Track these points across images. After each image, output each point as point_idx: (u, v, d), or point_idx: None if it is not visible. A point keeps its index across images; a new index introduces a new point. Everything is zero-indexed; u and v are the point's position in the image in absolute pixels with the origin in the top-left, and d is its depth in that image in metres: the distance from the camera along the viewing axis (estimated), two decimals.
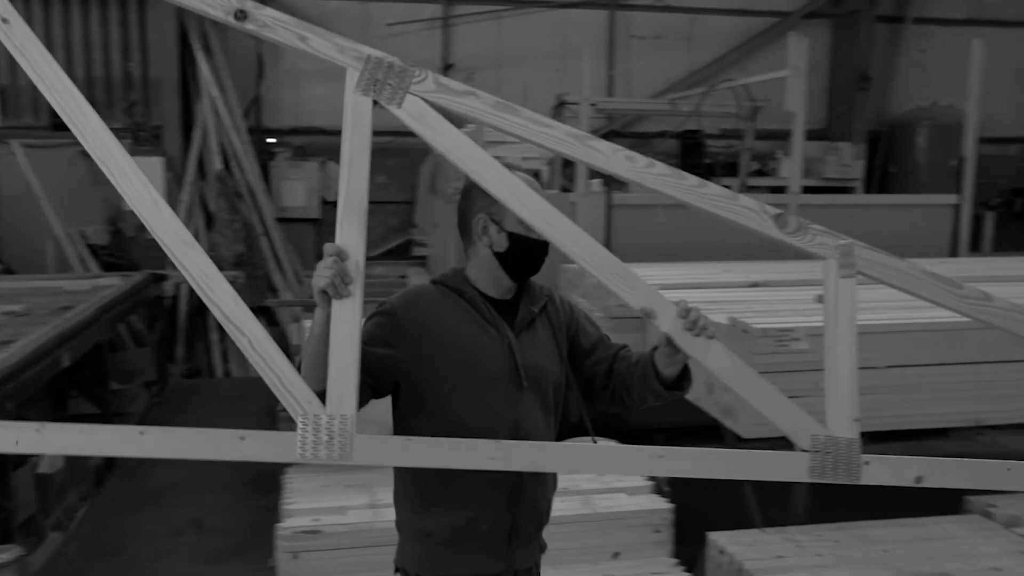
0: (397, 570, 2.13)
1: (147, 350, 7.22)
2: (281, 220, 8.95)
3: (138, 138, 8.32)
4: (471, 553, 2.03)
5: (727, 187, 6.79)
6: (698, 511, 4.96)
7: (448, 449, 1.73)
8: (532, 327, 2.11)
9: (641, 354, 2.10)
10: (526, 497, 2.05)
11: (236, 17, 1.65)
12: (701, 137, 8.78)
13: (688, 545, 3.60)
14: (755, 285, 4.50)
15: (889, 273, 1.78)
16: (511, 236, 2.03)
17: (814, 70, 10.04)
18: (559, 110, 8.07)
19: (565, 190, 7.30)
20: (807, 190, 7.67)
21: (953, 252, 6.45)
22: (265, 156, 9.26)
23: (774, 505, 3.67)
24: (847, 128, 10.00)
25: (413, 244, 9.61)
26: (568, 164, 7.59)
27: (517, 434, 1.98)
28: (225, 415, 6.74)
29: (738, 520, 3.51)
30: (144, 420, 6.45)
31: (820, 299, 4.26)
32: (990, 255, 8.66)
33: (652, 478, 4.02)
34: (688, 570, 3.38)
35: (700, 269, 5.03)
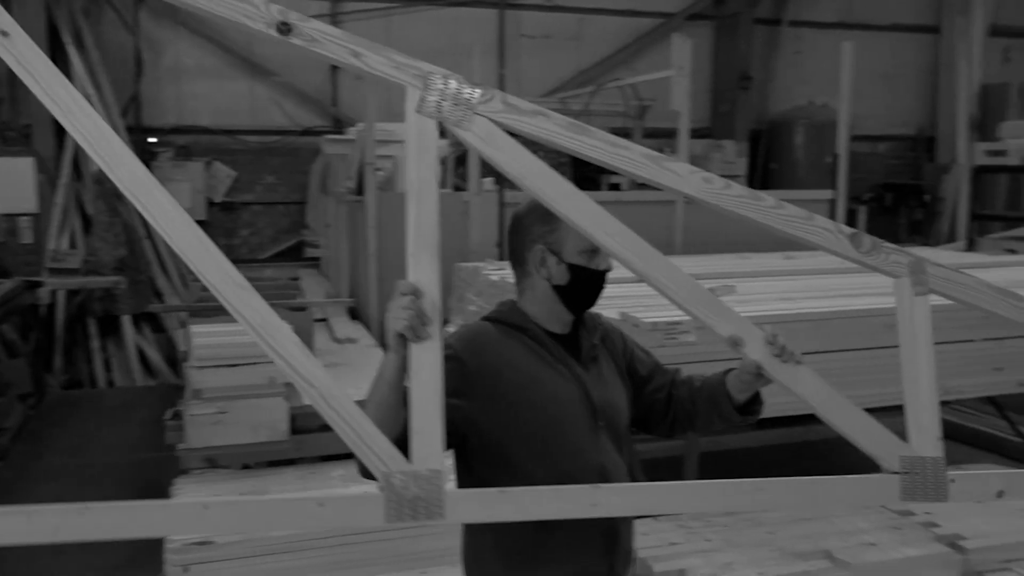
0: None
1: (21, 361, 6.87)
2: None
3: (5, 138, 7.89)
4: None
5: (617, 186, 6.97)
6: None
7: (548, 499, 1.58)
8: (596, 361, 2.01)
9: (704, 379, 2.03)
10: (621, 541, 1.96)
11: (279, 31, 1.50)
12: None
13: None
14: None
15: (957, 288, 1.77)
16: (571, 268, 1.92)
17: (698, 70, 10.33)
18: None
19: (458, 189, 7.31)
20: None
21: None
22: (146, 156, 8.91)
23: None
24: (730, 126, 10.37)
25: (305, 245, 9.44)
26: (461, 163, 7.59)
27: (604, 479, 1.86)
28: (109, 427, 6.47)
29: None
30: (19, 434, 6.12)
31: (712, 292, 4.40)
32: None
33: None
34: None
35: None
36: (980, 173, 9.45)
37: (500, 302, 2.05)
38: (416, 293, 1.51)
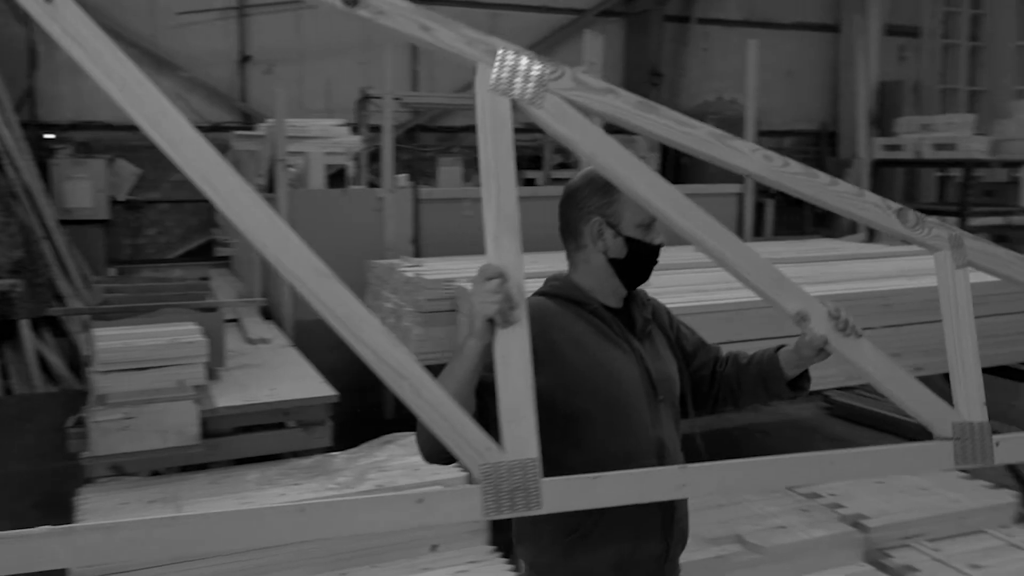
0: None
1: None
2: (65, 222, 8.27)
3: None
4: None
5: (532, 180, 7.00)
6: None
7: (639, 482, 1.57)
8: (650, 336, 2.00)
9: (750, 357, 2.04)
10: (677, 520, 1.95)
11: (347, 2, 1.45)
12: None
13: (506, 532, 3.68)
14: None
15: (993, 261, 1.83)
16: (628, 241, 1.90)
17: (610, 66, 10.48)
18: (363, 104, 7.98)
19: (372, 185, 7.23)
20: None
21: (739, 237, 6.94)
22: (43, 153, 8.54)
23: None
24: None
25: (215, 244, 9.19)
26: (375, 159, 7.51)
27: (662, 453, 1.87)
28: (7, 436, 6.18)
29: None
30: None
31: None
32: (771, 239, 9.38)
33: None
34: (505, 555, 3.45)
35: None
36: (879, 167, 9.84)
37: (551, 276, 2.01)
38: (503, 277, 1.47)
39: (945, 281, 1.79)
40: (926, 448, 1.77)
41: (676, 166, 10.67)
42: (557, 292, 1.95)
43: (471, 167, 9.05)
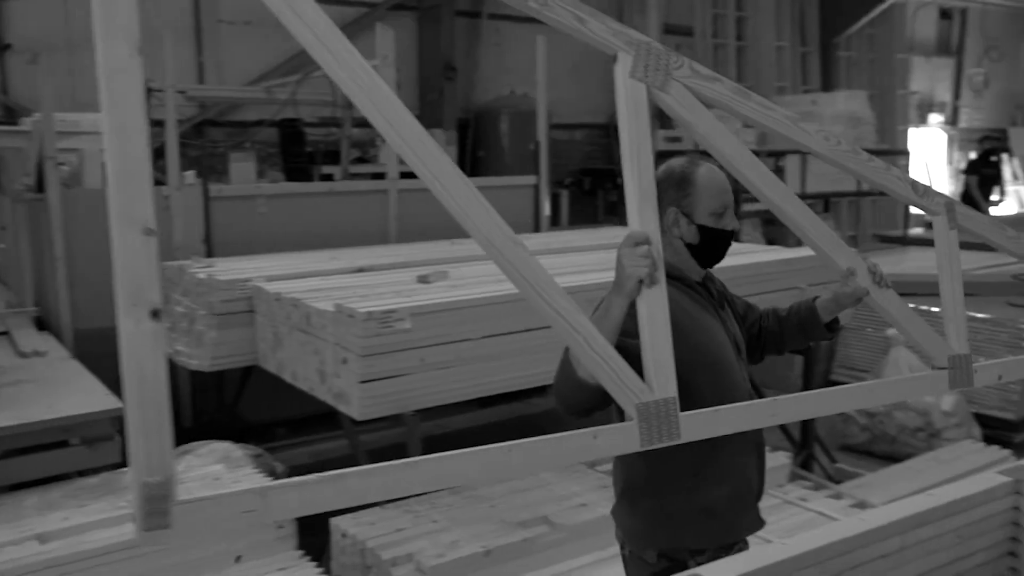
0: (660, 555, 2.16)
1: None
2: None
3: None
4: (746, 515, 2.22)
5: (329, 176, 6.83)
6: None
7: (742, 413, 1.85)
8: (723, 305, 2.36)
9: (788, 309, 2.44)
10: (763, 464, 2.28)
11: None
12: (300, 126, 8.72)
13: (314, 535, 3.61)
14: (361, 270, 4.61)
15: (976, 224, 2.24)
16: (701, 228, 2.19)
17: (404, 60, 10.46)
18: (146, 97, 7.51)
19: (158, 183, 6.83)
20: (408, 176, 8.00)
21: (536, 228, 7.14)
22: None
23: None
24: (439, 116, 10.59)
25: None
26: (159, 156, 7.10)
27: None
28: None
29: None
30: None
31: (422, 279, 4.45)
32: (566, 229, 9.73)
33: (272, 472, 3.95)
34: (315, 560, 3.39)
35: (307, 258, 5.02)
36: (661, 157, 10.42)
37: None
38: (648, 242, 1.69)
39: (941, 239, 2.18)
40: (925, 378, 2.21)
41: (473, 159, 10.83)
42: None
43: (265, 163, 8.76)
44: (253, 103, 8.71)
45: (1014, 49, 18.25)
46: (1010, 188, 14.93)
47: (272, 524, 3.40)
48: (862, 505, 3.62)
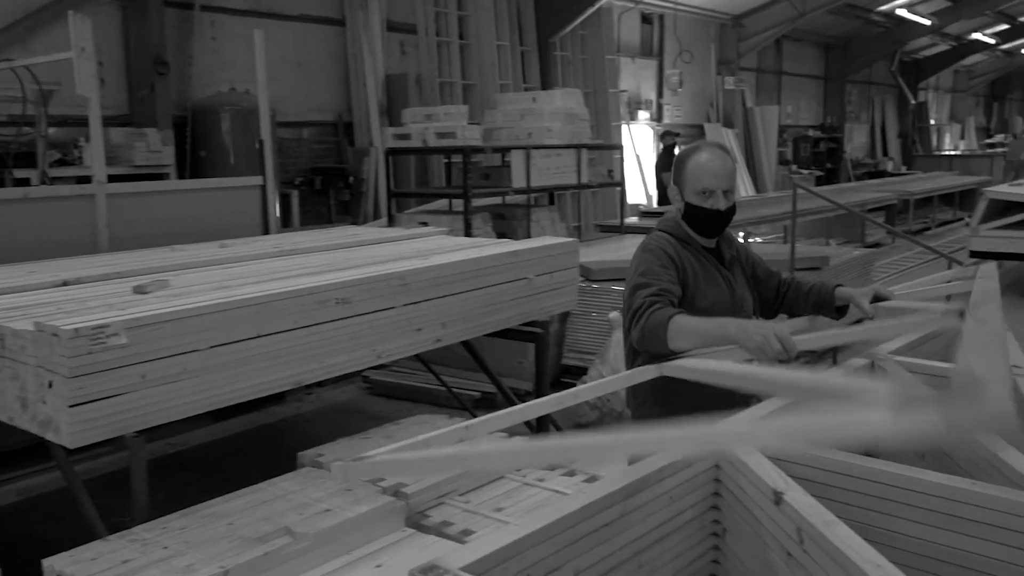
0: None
1: None
2: None
3: None
4: None
5: (26, 180, 6.17)
6: (36, 539, 4.49)
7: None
8: (732, 267, 2.93)
9: (811, 285, 3.00)
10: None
11: None
12: None
13: None
14: (66, 284, 4.18)
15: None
16: (687, 205, 2.81)
17: (108, 53, 9.65)
18: None
19: None
20: (118, 179, 7.38)
21: (266, 229, 6.88)
22: None
23: (114, 512, 3.51)
24: (152, 113, 9.87)
25: None
26: None
27: None
28: None
29: (82, 537, 3.25)
30: None
31: (139, 289, 4.12)
32: (299, 229, 9.48)
33: None
34: None
35: (2, 273, 4.47)
36: (392, 155, 10.45)
37: (667, 216, 2.94)
38: (789, 353, 2.30)
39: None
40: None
41: (194, 159, 10.23)
42: (672, 231, 2.87)
43: None
44: None
45: (703, 52, 20.26)
46: None
47: None
48: (592, 479, 3.85)
